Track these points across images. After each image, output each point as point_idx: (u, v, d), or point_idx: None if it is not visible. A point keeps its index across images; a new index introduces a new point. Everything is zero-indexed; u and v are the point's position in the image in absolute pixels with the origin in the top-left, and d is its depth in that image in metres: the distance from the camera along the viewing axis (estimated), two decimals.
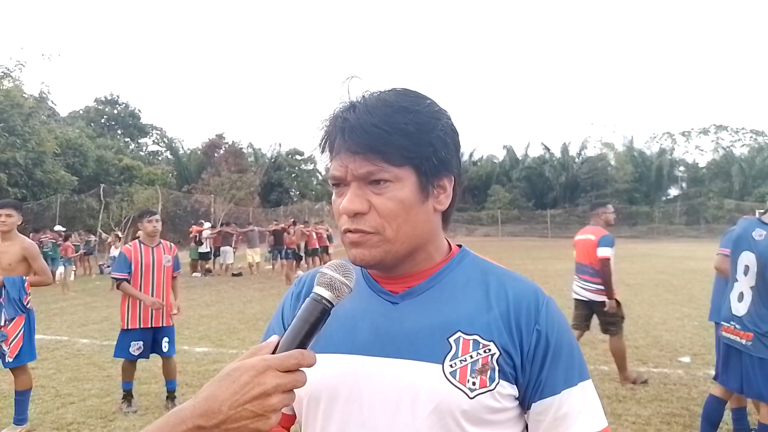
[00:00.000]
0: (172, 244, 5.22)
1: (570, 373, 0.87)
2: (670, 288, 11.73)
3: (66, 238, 14.94)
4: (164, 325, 4.87)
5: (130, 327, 4.77)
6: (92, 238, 19.73)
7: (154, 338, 4.86)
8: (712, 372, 5.54)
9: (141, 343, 4.76)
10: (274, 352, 0.71)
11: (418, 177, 0.85)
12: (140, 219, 5.10)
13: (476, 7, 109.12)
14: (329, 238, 18.45)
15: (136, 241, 5.03)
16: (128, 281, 4.80)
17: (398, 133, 0.82)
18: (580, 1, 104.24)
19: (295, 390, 0.70)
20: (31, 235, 17.67)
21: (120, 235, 17.37)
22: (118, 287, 4.92)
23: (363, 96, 0.87)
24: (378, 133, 0.81)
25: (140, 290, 4.80)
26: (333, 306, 0.75)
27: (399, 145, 0.82)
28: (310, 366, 0.70)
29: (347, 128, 0.83)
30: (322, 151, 0.89)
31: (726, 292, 3.35)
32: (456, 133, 0.91)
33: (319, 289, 0.75)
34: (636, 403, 4.71)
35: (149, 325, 4.80)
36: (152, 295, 4.83)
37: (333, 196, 0.90)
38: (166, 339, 4.88)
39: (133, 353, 4.75)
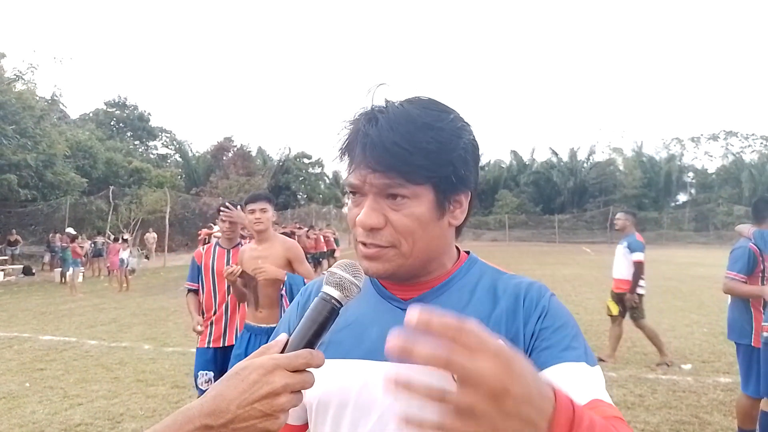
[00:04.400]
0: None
1: (575, 350, 0.82)
2: (679, 295, 11.61)
3: (73, 240, 15.01)
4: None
5: (199, 345, 3.95)
6: (101, 240, 19.83)
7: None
8: (722, 380, 5.56)
9: (212, 374, 3.82)
10: (282, 352, 0.71)
11: (435, 194, 0.85)
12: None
13: (485, 11, 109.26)
14: (336, 241, 18.52)
15: (214, 241, 4.22)
16: (196, 291, 4.03)
17: (419, 152, 0.81)
18: (589, 5, 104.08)
19: (305, 394, 0.70)
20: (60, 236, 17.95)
21: (127, 238, 17.41)
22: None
23: (386, 106, 0.86)
24: (398, 153, 0.80)
25: (214, 302, 3.94)
26: (342, 306, 0.74)
27: (419, 165, 0.81)
28: (318, 366, 0.70)
29: (368, 144, 0.82)
30: (341, 160, 0.89)
31: None
32: (477, 149, 0.90)
33: (328, 289, 0.74)
34: (645, 410, 4.67)
35: (221, 345, 3.88)
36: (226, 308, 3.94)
37: (349, 203, 0.90)
38: None
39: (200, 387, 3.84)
